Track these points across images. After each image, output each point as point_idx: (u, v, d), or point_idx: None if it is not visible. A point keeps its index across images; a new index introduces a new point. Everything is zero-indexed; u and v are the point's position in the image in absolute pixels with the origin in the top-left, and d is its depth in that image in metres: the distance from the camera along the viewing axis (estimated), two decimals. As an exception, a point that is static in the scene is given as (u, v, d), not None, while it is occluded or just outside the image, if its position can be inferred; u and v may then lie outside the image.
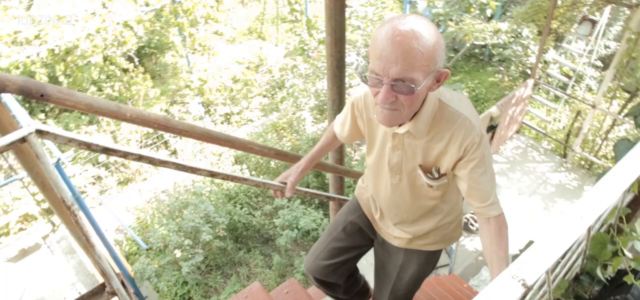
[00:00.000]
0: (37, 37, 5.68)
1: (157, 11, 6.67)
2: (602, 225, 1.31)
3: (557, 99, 6.57)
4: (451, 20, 6.88)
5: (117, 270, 1.58)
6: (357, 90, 1.32)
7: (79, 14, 5.96)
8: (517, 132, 5.68)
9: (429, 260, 1.56)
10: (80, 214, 1.23)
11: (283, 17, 9.59)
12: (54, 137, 1.14)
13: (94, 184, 5.74)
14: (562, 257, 1.23)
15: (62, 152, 3.80)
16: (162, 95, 7.31)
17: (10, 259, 4.74)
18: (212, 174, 1.52)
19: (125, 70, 6.75)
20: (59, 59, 5.62)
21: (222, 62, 8.29)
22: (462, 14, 6.94)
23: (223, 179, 1.58)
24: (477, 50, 8.29)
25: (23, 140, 1.07)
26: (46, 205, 5.44)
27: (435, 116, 1.15)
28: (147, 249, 4.07)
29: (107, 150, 1.26)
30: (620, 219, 1.31)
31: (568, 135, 5.89)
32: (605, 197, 0.99)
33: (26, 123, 1.25)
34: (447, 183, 1.26)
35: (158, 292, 4.09)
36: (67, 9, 5.93)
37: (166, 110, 7.12)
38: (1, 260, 4.64)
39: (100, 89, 6.86)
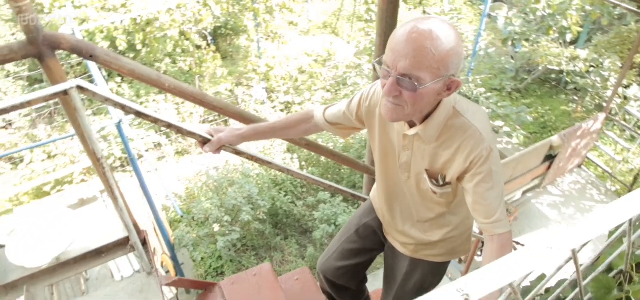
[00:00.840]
0: (123, 5, 6.28)
1: (236, -6, 7.05)
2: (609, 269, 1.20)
3: (632, 139, 5.95)
4: (527, 40, 6.51)
5: (142, 228, 1.73)
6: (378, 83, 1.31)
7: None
8: (579, 166, 5.31)
9: (435, 272, 1.57)
10: (107, 168, 1.39)
11: (359, 15, 9.63)
12: (93, 94, 1.29)
13: (154, 150, 6.25)
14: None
15: (125, 115, 4.19)
16: (230, 75, 7.71)
17: (70, 205, 5.33)
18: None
19: (198, 47, 7.22)
20: (139, 29, 6.18)
21: (291, 52, 8.54)
22: (540, 36, 6.56)
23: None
24: (552, 76, 7.79)
25: (65, 92, 1.24)
26: (108, 161, 6.01)
27: (447, 124, 1.16)
28: (182, 216, 4.39)
29: (139, 114, 1.40)
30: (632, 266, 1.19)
31: (635, 179, 5.32)
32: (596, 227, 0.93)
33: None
34: (452, 193, 1.27)
35: (194, 261, 4.39)
36: (154, -17, 6.47)
37: (231, 91, 7.49)
38: (62, 205, 5.24)
39: (174, 62, 7.39)
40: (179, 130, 1.42)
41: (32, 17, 1.25)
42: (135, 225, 1.62)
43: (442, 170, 1.23)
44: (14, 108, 1.19)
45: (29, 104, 1.20)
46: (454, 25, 1.07)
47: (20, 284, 1.86)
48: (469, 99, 5.29)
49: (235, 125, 1.72)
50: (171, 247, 3.66)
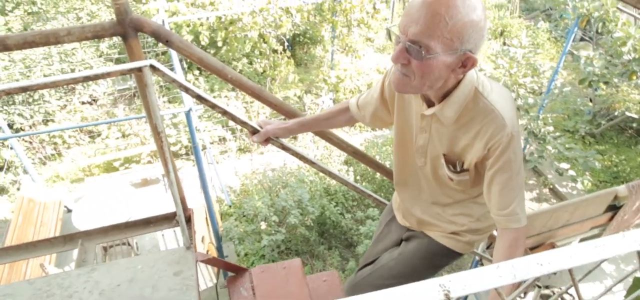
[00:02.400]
0: (211, 3, 6.87)
1: (318, 5, 7.38)
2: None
3: None
4: (606, 83, 6.09)
5: (194, 204, 1.94)
6: None
7: (251, -8, 7.00)
8: (647, 223, 4.78)
9: (431, 252, 1.50)
10: (165, 142, 1.60)
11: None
12: (162, 74, 1.51)
13: (218, 143, 6.70)
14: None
15: (196, 104, 4.59)
16: (300, 82, 8.04)
17: (134, 184, 5.90)
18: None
19: (274, 51, 7.64)
20: (222, 27, 6.71)
21: (364, 67, 8.71)
22: (623, 80, 6.14)
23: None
24: (634, 124, 7.21)
25: (139, 69, 1.46)
26: (175, 148, 6.54)
27: (467, 105, 1.12)
28: (230, 206, 4.66)
29: (200, 97, 1.60)
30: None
31: None
32: None
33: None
34: (469, 180, 1.23)
35: (237, 255, 4.64)
36: (243, -14, 7.01)
37: (299, 97, 7.81)
38: (127, 182, 5.81)
39: (250, 62, 7.88)
40: (233, 118, 1.60)
41: (123, 2, 1.50)
42: (183, 201, 1.82)
43: (461, 156, 1.19)
44: (97, 77, 1.43)
45: (109, 74, 1.43)
46: None
47: (76, 237, 2.15)
48: (536, 136, 5.07)
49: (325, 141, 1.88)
50: (218, 238, 3.91)
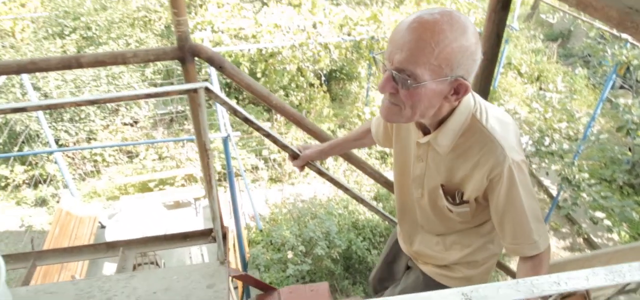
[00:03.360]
0: (253, 36, 7.25)
1: (356, 42, 7.65)
2: None
3: None
4: None
5: (225, 225, 2.09)
6: None
7: (291, 27, 7.36)
8: None
9: (428, 290, 1.46)
10: (211, 159, 1.76)
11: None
12: (215, 96, 1.69)
13: (250, 172, 6.92)
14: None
15: (234, 129, 4.82)
16: (335, 116, 8.25)
17: (166, 205, 6.16)
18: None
19: (311, 85, 7.92)
20: (262, 59, 7.06)
21: None
22: None
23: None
24: None
25: (195, 91, 1.65)
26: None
27: (464, 133, 1.08)
28: (261, 230, 4.78)
29: (247, 120, 1.77)
30: None
31: None
32: None
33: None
34: (469, 212, 1.18)
35: (262, 283, 4.77)
36: (285, 21, 7.38)
37: (333, 131, 8.00)
38: (160, 203, 6.08)
39: (286, 95, 8.18)
40: (275, 141, 1.76)
41: (184, 29, 1.71)
42: (220, 219, 1.97)
43: (460, 187, 1.15)
44: (157, 95, 1.62)
45: (168, 93, 1.63)
46: (469, 19, 0.97)
47: (118, 245, 2.33)
48: (570, 182, 4.97)
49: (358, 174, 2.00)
50: (245, 264, 4.04)
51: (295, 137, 7.29)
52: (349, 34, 7.63)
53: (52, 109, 7.08)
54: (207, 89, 1.66)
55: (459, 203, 1.18)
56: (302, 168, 1.78)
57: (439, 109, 1.04)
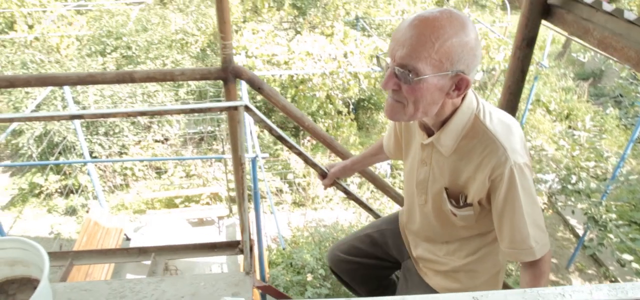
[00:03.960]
0: (286, 63, 7.53)
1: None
2: None
3: None
4: None
5: (252, 238, 2.22)
6: None
7: (323, 56, 7.61)
8: None
9: None
10: (245, 173, 1.91)
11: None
12: (253, 114, 1.85)
13: (275, 195, 7.08)
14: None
15: (262, 151, 5.00)
16: (361, 144, 8.38)
17: (191, 221, 6.35)
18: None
19: (339, 113, 8.10)
20: (293, 85, 7.31)
21: None
22: None
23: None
24: None
25: (235, 108, 1.82)
26: (233, 193, 7.00)
27: (467, 134, 1.11)
28: (283, 248, 4.86)
29: (281, 138, 1.92)
30: None
31: None
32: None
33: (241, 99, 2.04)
34: (473, 216, 1.19)
35: (281, 305, 4.84)
36: (317, 50, 7.65)
37: (358, 161, 8.14)
38: (184, 219, 6.28)
39: (315, 121, 8.39)
40: (306, 160, 1.89)
41: (229, 53, 1.89)
42: (249, 234, 2.10)
43: (464, 189, 1.16)
44: (201, 110, 1.79)
45: (210, 109, 1.80)
46: (469, 18, 1.01)
47: (150, 251, 2.48)
48: (596, 222, 4.86)
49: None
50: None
51: (322, 162, 7.47)
52: (379, 64, 7.81)
53: (101, 119, 7.49)
54: (246, 107, 1.82)
55: (463, 206, 1.19)
56: (330, 185, 1.87)
57: (442, 107, 1.07)
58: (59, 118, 1.91)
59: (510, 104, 1.97)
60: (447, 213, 1.24)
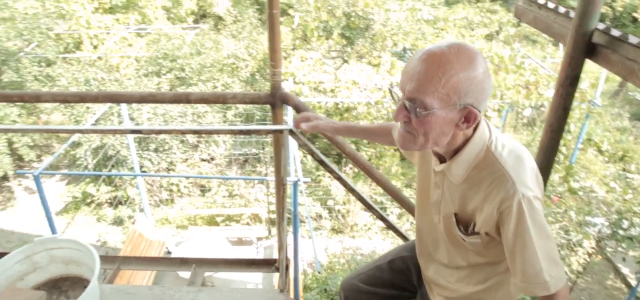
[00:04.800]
0: (332, 90, 7.73)
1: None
2: None
3: None
4: None
5: (289, 258, 2.32)
6: None
7: (369, 85, 7.76)
8: None
9: None
10: (285, 194, 2.03)
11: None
12: (297, 138, 1.98)
13: (314, 219, 7.19)
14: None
15: (304, 175, 5.13)
16: (402, 175, 8.38)
17: (230, 240, 6.54)
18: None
19: (382, 143, 8.19)
20: (338, 112, 7.47)
21: None
22: None
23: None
24: None
25: (281, 132, 1.95)
26: (273, 216, 7.19)
27: (477, 164, 1.14)
28: (319, 272, 4.91)
29: (322, 162, 2.03)
30: None
31: None
32: None
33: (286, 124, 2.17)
34: (481, 244, 1.21)
35: (313, 330, 4.87)
36: (363, 79, 7.81)
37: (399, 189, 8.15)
38: (224, 238, 6.47)
39: (358, 149, 8.48)
40: (344, 184, 1.99)
41: (278, 80, 2.04)
42: (286, 252, 2.21)
43: (472, 217, 1.18)
44: (249, 131, 1.95)
45: (258, 131, 1.95)
46: (478, 51, 1.05)
47: (191, 262, 2.63)
48: None
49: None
50: (298, 308, 4.20)
51: (362, 190, 7.53)
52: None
53: (152, 136, 7.97)
54: (291, 132, 1.95)
55: (471, 233, 1.21)
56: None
57: (453, 137, 1.12)
58: (121, 132, 2.13)
59: (552, 142, 1.99)
60: (457, 237, 1.27)
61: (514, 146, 1.14)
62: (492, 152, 1.11)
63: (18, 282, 1.98)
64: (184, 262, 2.66)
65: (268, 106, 2.17)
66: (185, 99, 2.10)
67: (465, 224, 1.21)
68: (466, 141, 1.13)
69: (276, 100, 2.02)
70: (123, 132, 1.95)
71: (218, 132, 1.86)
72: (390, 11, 8.89)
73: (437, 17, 10.57)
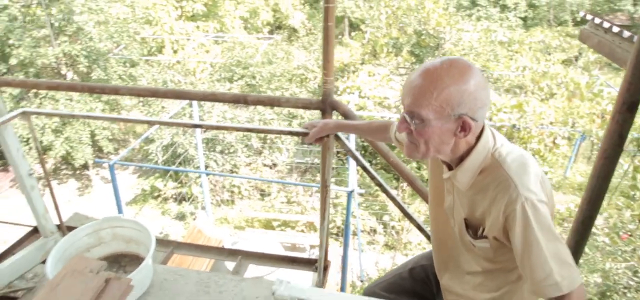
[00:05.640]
0: (396, 106, 7.78)
1: (496, 128, 7.67)
2: None
3: None
4: None
5: (329, 260, 2.42)
6: None
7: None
8: None
9: None
10: (329, 194, 2.14)
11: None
12: (342, 143, 2.09)
13: (368, 233, 7.22)
14: None
15: (359, 186, 5.20)
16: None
17: (284, 245, 6.73)
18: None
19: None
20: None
21: None
22: None
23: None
24: None
25: (327, 136, 2.07)
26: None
27: (483, 171, 1.20)
28: (361, 281, 4.92)
29: (365, 169, 2.12)
30: None
31: None
32: None
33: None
34: (490, 249, 1.25)
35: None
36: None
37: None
38: (278, 242, 6.67)
39: (418, 168, 8.40)
40: (380, 186, 2.06)
41: (330, 87, 2.15)
42: (326, 251, 2.32)
43: (481, 222, 1.23)
44: (298, 134, 2.08)
45: (306, 133, 2.08)
46: (471, 65, 1.13)
47: (238, 253, 2.80)
48: None
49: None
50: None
51: (418, 210, 7.41)
52: (490, 119, 7.64)
53: (219, 138, 8.47)
54: (336, 136, 2.07)
55: (480, 237, 1.26)
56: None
57: (456, 146, 1.20)
58: (186, 126, 2.35)
59: (605, 169, 1.92)
60: (468, 242, 1.32)
61: (518, 153, 1.20)
62: (496, 158, 1.18)
63: (85, 253, 2.25)
64: (231, 253, 2.85)
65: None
66: (244, 100, 2.28)
67: (474, 229, 1.27)
68: (470, 149, 1.20)
69: (326, 106, 2.13)
70: (183, 125, 2.21)
71: (272, 132, 2.02)
72: (463, 31, 8.78)
73: (512, 39, 10.26)
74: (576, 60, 12.40)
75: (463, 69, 1.11)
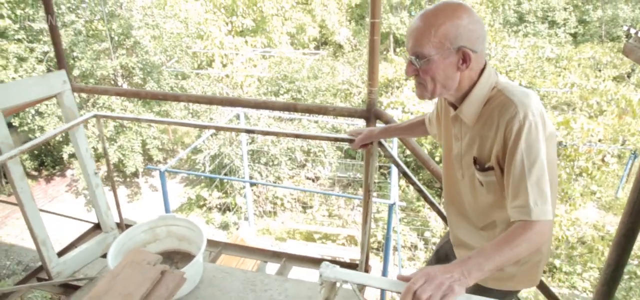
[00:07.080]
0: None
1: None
2: None
3: None
4: None
5: (370, 265, 2.52)
6: None
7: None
8: None
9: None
10: (371, 200, 2.25)
11: None
12: (385, 150, 2.20)
13: (408, 248, 7.20)
14: None
15: (400, 200, 5.25)
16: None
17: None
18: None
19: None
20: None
21: (580, 219, 7.99)
22: None
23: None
24: None
25: (372, 143, 2.19)
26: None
27: (487, 102, 1.27)
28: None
29: (405, 175, 2.22)
30: None
31: None
32: None
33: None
34: (497, 182, 1.28)
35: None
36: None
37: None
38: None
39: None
40: (421, 193, 2.15)
41: (374, 97, 2.28)
42: (367, 255, 2.42)
43: (489, 156, 1.27)
44: (343, 140, 2.21)
45: (350, 140, 2.21)
46: (463, 4, 1.21)
47: (282, 256, 2.95)
48: None
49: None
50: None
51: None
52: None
53: (264, 149, 8.75)
54: (379, 143, 2.18)
55: (487, 169, 1.28)
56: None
57: (460, 82, 1.27)
58: (239, 130, 2.54)
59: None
60: (479, 188, 1.35)
61: (520, 87, 1.28)
62: (499, 89, 1.26)
63: (141, 248, 2.45)
64: (275, 255, 3.00)
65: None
66: (294, 108, 2.45)
67: (482, 164, 1.31)
68: (473, 85, 1.28)
69: (371, 115, 2.25)
70: (236, 129, 2.38)
71: (316, 138, 2.15)
72: (509, 47, 8.68)
73: (561, 55, 9.99)
74: (629, 76, 11.88)
75: (454, 7, 1.22)
